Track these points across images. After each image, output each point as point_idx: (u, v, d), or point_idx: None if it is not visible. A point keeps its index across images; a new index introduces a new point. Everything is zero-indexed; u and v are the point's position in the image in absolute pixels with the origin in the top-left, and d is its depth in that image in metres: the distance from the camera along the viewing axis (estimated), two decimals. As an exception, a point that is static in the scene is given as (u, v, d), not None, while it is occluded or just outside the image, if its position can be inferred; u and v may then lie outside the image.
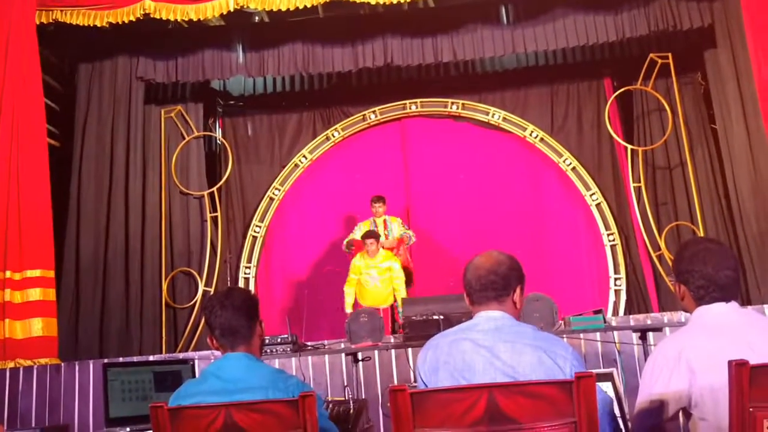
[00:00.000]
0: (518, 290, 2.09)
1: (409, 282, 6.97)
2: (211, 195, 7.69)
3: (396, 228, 7.01)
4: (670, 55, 7.34)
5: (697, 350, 1.96)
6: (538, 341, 1.96)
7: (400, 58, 7.17)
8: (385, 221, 7.00)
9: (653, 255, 7.21)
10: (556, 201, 7.99)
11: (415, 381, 2.22)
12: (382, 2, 6.42)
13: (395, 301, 6.75)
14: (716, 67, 7.00)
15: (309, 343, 4.91)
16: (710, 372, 1.89)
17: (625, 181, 7.67)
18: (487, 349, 1.95)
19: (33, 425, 5.21)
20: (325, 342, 5.28)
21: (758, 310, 5.29)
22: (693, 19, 6.82)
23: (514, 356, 1.92)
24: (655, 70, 7.37)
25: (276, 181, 8.16)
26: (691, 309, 2.12)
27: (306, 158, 8.20)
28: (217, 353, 2.36)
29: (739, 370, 1.69)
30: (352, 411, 3.17)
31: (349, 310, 6.66)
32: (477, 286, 2.07)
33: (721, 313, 2.04)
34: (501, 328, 2.00)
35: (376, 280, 6.70)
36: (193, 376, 3.68)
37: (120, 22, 6.43)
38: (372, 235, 6.67)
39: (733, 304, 2.06)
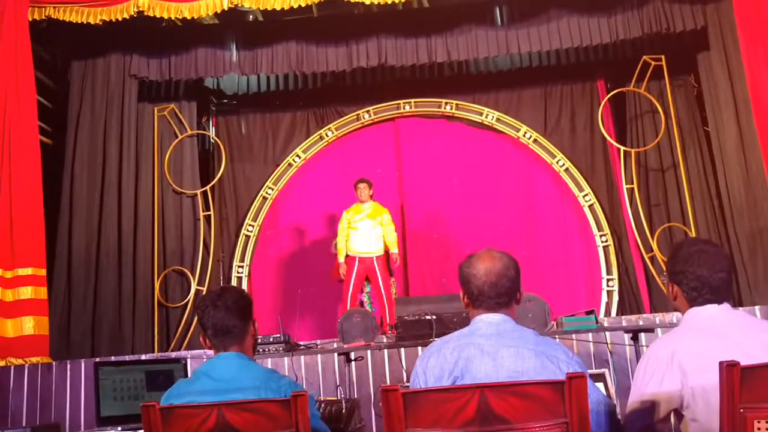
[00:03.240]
0: (521, 289, 2.09)
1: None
2: (204, 194, 7.67)
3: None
4: (663, 57, 7.36)
5: (688, 351, 1.97)
6: (540, 346, 1.95)
7: (394, 57, 7.17)
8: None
9: (645, 256, 7.23)
10: (549, 202, 8.00)
11: (408, 381, 2.21)
12: (376, 2, 6.41)
13: (387, 252, 6.72)
14: (709, 69, 7.03)
15: (301, 343, 4.91)
16: (702, 373, 1.90)
17: (617, 182, 7.69)
18: (491, 356, 1.93)
19: (24, 424, 5.19)
20: (318, 342, 5.28)
21: (750, 312, 5.32)
22: (686, 21, 6.85)
23: (518, 362, 1.91)
24: (648, 72, 7.40)
25: (269, 180, 8.14)
26: (683, 309, 2.13)
27: (299, 157, 8.19)
28: (210, 352, 2.36)
29: (730, 371, 1.70)
30: (344, 411, 3.17)
31: (342, 259, 6.71)
32: (491, 293, 2.02)
33: (713, 314, 2.05)
34: (503, 333, 1.98)
35: (366, 226, 6.71)
36: (185, 375, 3.67)
37: (113, 20, 6.40)
38: (365, 180, 6.73)
39: (725, 306, 2.07)
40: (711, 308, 2.06)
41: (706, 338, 1.98)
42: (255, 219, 8.05)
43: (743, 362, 1.71)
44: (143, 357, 5.74)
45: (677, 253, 2.14)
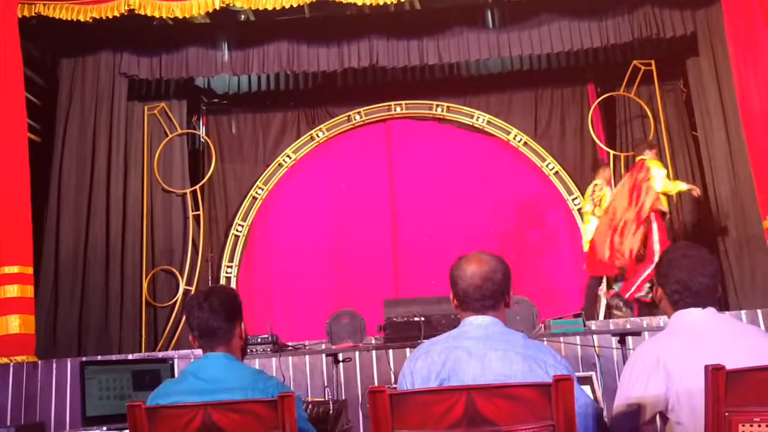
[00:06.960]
0: (510, 293, 2.09)
1: None
2: (194, 193, 7.64)
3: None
4: (653, 62, 7.42)
5: (674, 355, 1.98)
6: (528, 350, 1.95)
7: (385, 59, 7.17)
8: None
9: (634, 260, 7.25)
10: (538, 205, 8.03)
11: (395, 383, 2.21)
12: (368, 3, 6.41)
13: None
14: (698, 74, 7.08)
15: (289, 344, 4.89)
16: (687, 376, 1.92)
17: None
18: (479, 358, 1.93)
19: (8, 423, 5.15)
20: (306, 342, 5.26)
21: (736, 316, 5.35)
22: (676, 27, 6.89)
23: (505, 365, 1.91)
24: (638, 77, 7.45)
25: (259, 180, 8.12)
26: (668, 312, 2.16)
27: (290, 158, 8.17)
28: (198, 352, 2.35)
29: (715, 375, 1.71)
30: (331, 412, 3.17)
31: None
32: (476, 296, 2.03)
33: (698, 318, 2.07)
34: (491, 336, 1.98)
35: None
36: (172, 375, 3.66)
37: (104, 17, 6.36)
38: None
39: (711, 310, 2.08)
40: (695, 312, 2.07)
41: (692, 342, 1.99)
42: (244, 219, 8.03)
43: (728, 366, 1.73)
44: (130, 357, 5.70)
45: (663, 257, 2.17)
